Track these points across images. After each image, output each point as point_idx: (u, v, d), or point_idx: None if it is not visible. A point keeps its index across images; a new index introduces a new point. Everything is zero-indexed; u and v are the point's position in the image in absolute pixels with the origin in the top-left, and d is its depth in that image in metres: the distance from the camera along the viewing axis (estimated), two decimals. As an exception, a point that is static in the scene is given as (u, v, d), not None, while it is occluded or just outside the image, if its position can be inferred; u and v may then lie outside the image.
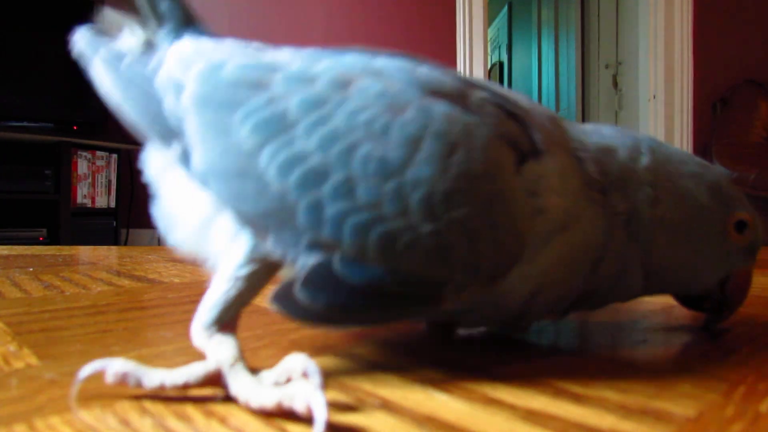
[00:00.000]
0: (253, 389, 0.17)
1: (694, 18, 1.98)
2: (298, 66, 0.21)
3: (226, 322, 0.20)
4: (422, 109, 0.20)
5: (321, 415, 0.15)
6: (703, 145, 1.97)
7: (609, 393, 0.18)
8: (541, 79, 2.99)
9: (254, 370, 0.19)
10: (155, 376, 0.18)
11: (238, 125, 0.20)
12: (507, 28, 3.94)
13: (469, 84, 0.22)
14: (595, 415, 0.16)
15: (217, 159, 0.20)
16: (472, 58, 1.91)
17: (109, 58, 0.25)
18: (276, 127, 0.20)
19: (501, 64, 4.16)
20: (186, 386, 0.18)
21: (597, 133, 0.24)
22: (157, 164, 0.24)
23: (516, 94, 0.24)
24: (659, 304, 0.35)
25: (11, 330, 0.28)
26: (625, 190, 0.23)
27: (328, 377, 0.20)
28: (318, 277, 0.19)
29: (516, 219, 0.20)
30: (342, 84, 0.20)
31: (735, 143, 1.83)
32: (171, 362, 0.22)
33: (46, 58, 1.69)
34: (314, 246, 0.19)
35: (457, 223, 0.18)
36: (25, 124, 1.62)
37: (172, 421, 0.16)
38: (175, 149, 0.22)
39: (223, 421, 0.16)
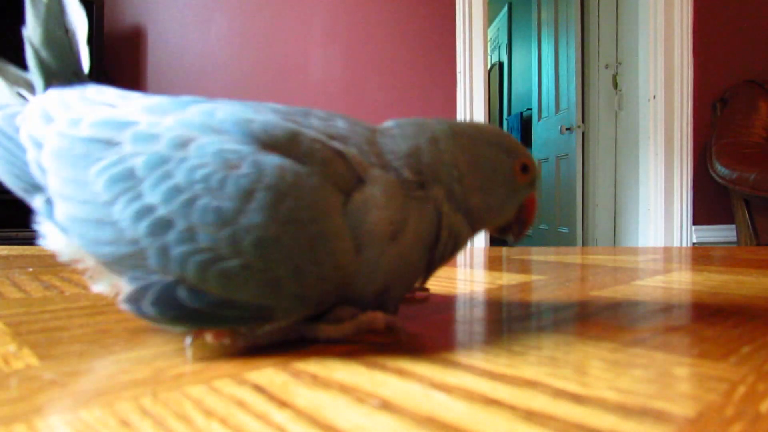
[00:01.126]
0: (329, 327, 0.24)
1: (694, 18, 1.98)
2: (145, 123, 0.24)
3: None
4: (255, 163, 0.22)
5: (399, 324, 0.24)
6: (703, 145, 1.97)
7: (609, 393, 0.18)
8: (541, 79, 2.99)
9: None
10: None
11: (93, 179, 0.23)
12: (507, 28, 3.94)
13: (300, 125, 0.25)
14: (595, 415, 0.16)
15: (77, 209, 0.23)
16: (472, 58, 1.91)
17: None
18: (126, 182, 0.22)
19: (501, 64, 4.16)
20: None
21: (402, 137, 0.28)
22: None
23: (338, 120, 0.27)
24: (659, 304, 0.35)
25: (11, 330, 0.28)
26: (438, 177, 0.27)
27: (328, 377, 0.20)
28: (165, 299, 0.22)
29: (338, 255, 0.23)
30: (182, 143, 0.23)
31: (735, 143, 1.83)
32: (171, 362, 0.22)
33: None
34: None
35: (285, 261, 0.22)
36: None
37: (172, 421, 0.16)
38: (39, 200, 0.25)
39: (223, 421, 0.16)
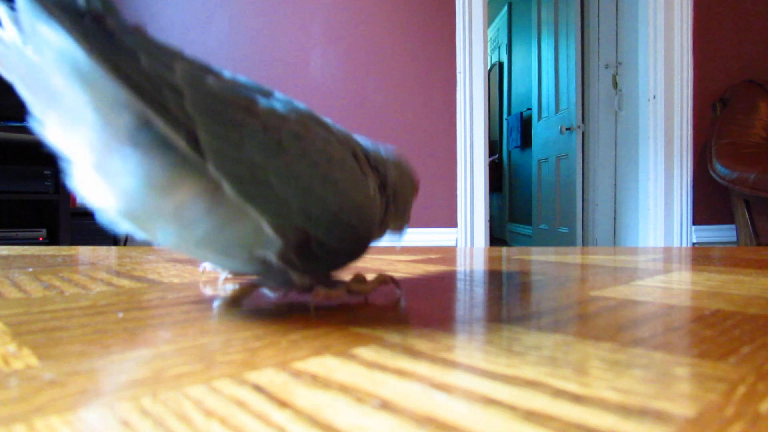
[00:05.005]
0: (363, 285, 0.35)
1: (694, 18, 1.99)
2: (281, 98, 0.30)
3: None
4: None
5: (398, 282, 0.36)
6: (703, 145, 1.97)
7: (609, 393, 0.18)
8: (541, 79, 2.99)
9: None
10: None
11: (248, 146, 0.27)
12: (507, 28, 3.94)
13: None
14: (595, 415, 0.16)
15: (232, 166, 0.26)
16: (472, 58, 1.91)
17: None
18: (276, 151, 0.28)
19: (501, 64, 4.16)
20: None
21: (371, 146, 0.38)
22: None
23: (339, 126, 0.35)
24: (659, 304, 0.35)
25: (11, 330, 0.28)
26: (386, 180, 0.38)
27: (328, 377, 0.20)
28: (304, 250, 0.30)
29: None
30: (304, 126, 0.30)
31: (735, 143, 1.83)
32: (170, 362, 0.22)
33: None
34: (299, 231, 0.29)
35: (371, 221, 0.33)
36: (25, 124, 1.62)
37: (172, 421, 0.16)
38: (181, 141, 0.26)
39: (223, 421, 0.16)
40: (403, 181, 0.40)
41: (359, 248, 0.33)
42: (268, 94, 0.30)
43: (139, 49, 0.25)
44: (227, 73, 0.29)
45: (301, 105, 0.31)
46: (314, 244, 0.29)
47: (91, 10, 0.24)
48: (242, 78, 0.30)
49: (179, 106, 0.25)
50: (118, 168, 0.26)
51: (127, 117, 0.25)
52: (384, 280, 0.36)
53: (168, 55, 0.26)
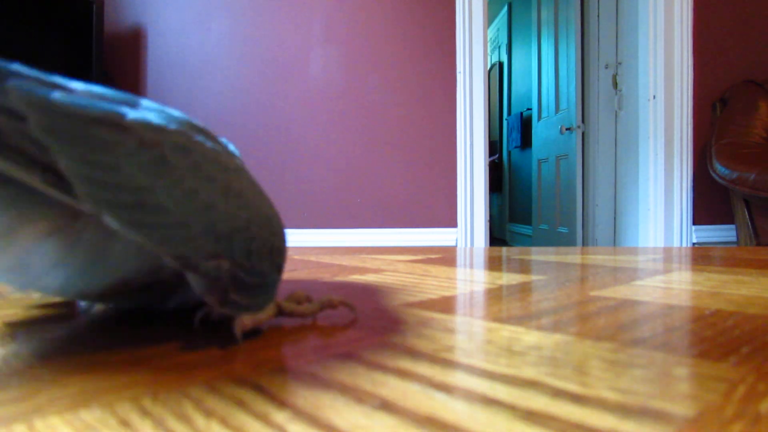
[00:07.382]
0: (299, 307, 0.30)
1: (694, 18, 1.99)
2: (152, 107, 0.25)
3: None
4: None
5: (352, 303, 0.32)
6: (703, 145, 1.97)
7: (609, 393, 0.18)
8: (541, 79, 2.99)
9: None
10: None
11: (126, 167, 0.22)
12: (507, 28, 3.94)
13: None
14: (595, 415, 0.16)
15: (110, 194, 0.22)
16: (472, 58, 1.91)
17: None
18: (160, 168, 0.23)
19: (501, 64, 4.16)
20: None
21: None
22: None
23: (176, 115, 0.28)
24: (659, 304, 0.35)
25: (11, 330, 0.28)
26: None
27: (328, 377, 0.20)
28: (240, 283, 0.25)
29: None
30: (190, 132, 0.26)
31: (735, 143, 1.84)
32: (171, 361, 0.22)
33: (45, 57, 1.69)
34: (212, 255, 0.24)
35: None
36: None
37: (172, 422, 0.16)
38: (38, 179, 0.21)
39: (223, 421, 0.16)
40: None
41: (282, 261, 0.28)
42: (134, 104, 0.25)
43: None
44: (79, 85, 0.24)
45: (175, 112, 0.27)
46: (237, 269, 0.24)
47: None
48: (98, 88, 0.24)
49: (21, 134, 0.19)
50: None
51: None
52: (331, 303, 0.32)
53: None
